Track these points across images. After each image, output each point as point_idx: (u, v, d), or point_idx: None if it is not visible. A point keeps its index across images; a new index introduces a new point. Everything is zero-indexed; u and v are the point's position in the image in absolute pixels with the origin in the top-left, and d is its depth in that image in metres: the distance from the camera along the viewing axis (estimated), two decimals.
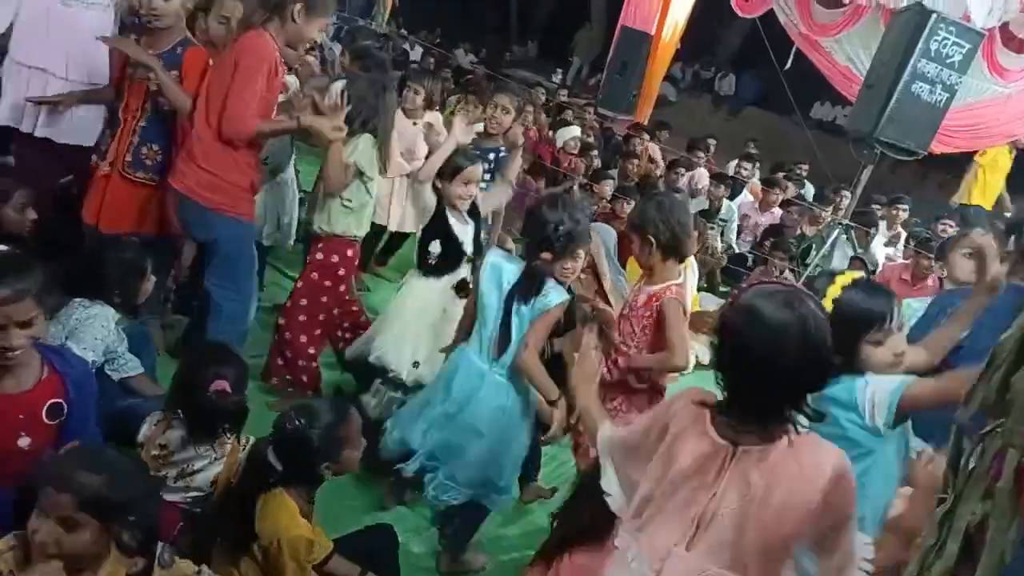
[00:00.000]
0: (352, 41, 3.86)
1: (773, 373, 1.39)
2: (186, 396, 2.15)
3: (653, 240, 2.57)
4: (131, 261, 2.63)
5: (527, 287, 2.45)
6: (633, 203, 5.49)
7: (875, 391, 1.86)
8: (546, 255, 2.44)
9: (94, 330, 2.46)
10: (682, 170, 7.17)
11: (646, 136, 7.91)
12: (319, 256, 3.18)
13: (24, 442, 1.89)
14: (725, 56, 14.74)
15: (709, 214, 6.11)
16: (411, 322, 3.02)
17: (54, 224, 2.91)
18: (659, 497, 1.49)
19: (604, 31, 14.33)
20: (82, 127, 3.13)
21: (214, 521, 2.15)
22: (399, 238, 4.72)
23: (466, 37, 15.26)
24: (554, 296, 2.48)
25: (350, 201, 3.09)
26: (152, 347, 3.02)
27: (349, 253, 3.19)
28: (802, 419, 1.43)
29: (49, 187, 3.09)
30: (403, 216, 4.36)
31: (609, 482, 1.65)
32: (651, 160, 7.84)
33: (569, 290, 2.59)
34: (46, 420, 1.94)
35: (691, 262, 4.37)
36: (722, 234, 6.55)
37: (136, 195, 3.08)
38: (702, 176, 7.25)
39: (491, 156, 3.61)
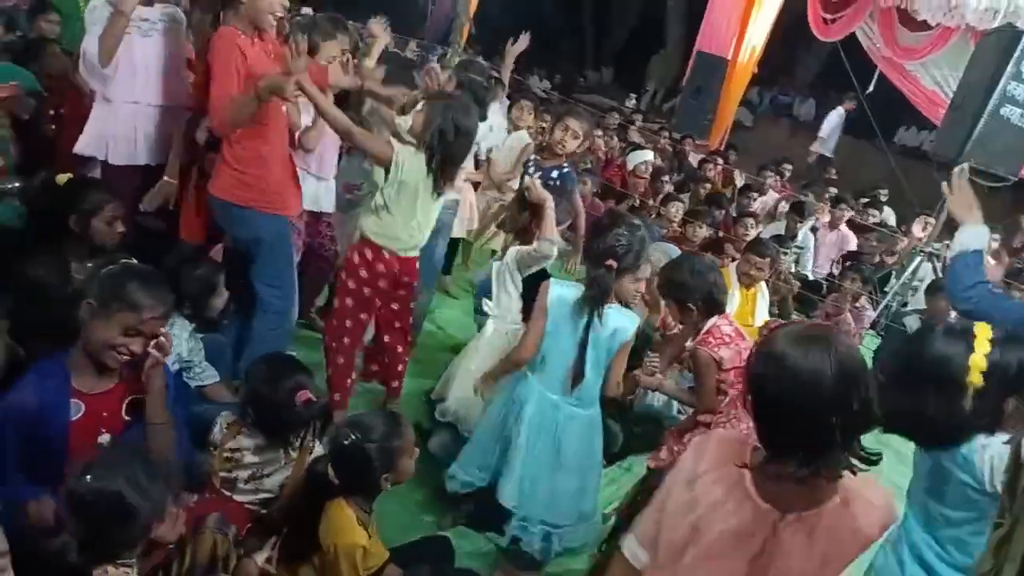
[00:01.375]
0: (464, 70, 4.02)
1: (813, 424, 1.26)
2: (265, 407, 2.22)
3: (694, 307, 2.60)
4: (203, 277, 2.76)
5: (593, 299, 2.46)
6: (704, 227, 5.44)
7: (995, 454, 1.59)
8: (610, 262, 2.45)
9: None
10: (754, 195, 7.03)
11: (720, 160, 7.82)
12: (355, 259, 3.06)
13: (104, 439, 1.99)
14: (804, 80, 14.43)
15: (782, 239, 5.96)
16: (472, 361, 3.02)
17: (138, 237, 3.05)
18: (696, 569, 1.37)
19: (680, 56, 14.26)
20: (160, 148, 3.22)
21: (278, 526, 2.22)
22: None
23: (541, 64, 15.43)
24: (627, 323, 2.50)
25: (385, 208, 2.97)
26: (228, 357, 3.15)
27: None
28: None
29: (135, 203, 3.21)
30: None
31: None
32: (726, 183, 7.73)
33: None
34: (126, 416, 2.04)
35: (762, 288, 4.28)
36: (797, 261, 6.39)
37: None
38: (774, 199, 7.10)
39: (553, 174, 3.61)
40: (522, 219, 3.25)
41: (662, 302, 3.23)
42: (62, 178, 2.79)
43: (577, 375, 2.50)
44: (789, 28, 9.33)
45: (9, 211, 3.28)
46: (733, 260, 4.53)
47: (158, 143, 3.17)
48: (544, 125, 7.03)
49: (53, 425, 1.92)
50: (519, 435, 2.53)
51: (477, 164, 4.72)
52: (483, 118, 3.61)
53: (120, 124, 3.11)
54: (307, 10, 8.22)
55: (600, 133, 7.68)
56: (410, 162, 2.85)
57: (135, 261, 2.22)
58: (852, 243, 6.69)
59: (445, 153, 2.84)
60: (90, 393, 1.98)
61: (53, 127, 3.73)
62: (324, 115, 2.84)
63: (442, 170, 2.88)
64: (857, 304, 5.22)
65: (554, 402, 2.54)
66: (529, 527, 2.54)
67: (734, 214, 6.39)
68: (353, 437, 2.04)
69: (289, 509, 2.21)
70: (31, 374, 2.00)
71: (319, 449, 2.31)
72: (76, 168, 3.19)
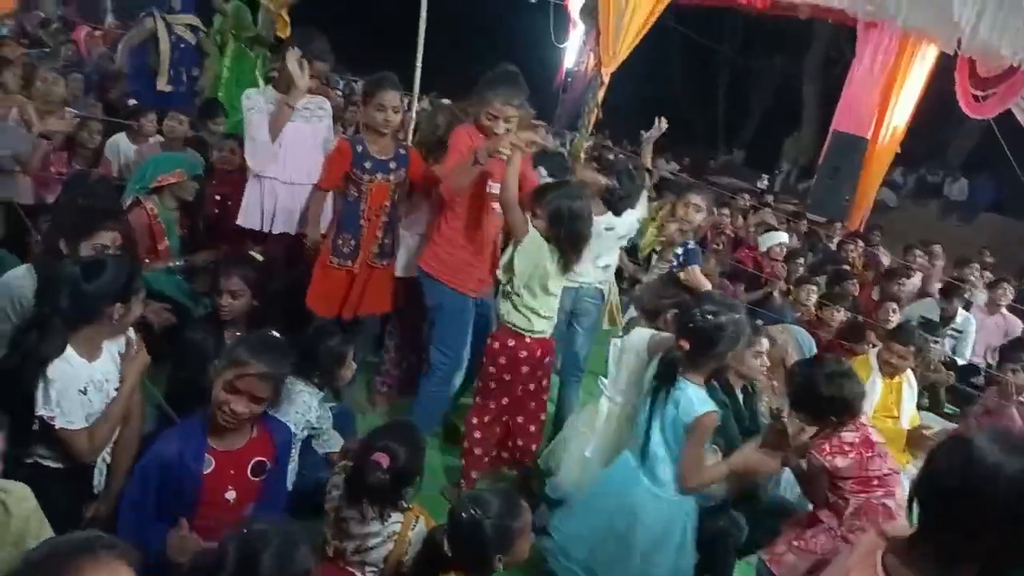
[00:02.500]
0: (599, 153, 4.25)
1: (986, 531, 1.16)
2: (354, 471, 2.27)
3: (833, 417, 2.46)
4: (333, 348, 2.87)
5: (663, 376, 2.42)
6: (842, 311, 5.15)
7: None
8: (683, 342, 2.38)
9: (296, 406, 2.69)
10: (903, 280, 6.58)
11: (860, 243, 7.44)
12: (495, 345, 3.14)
13: (230, 495, 2.10)
14: (955, 160, 13.63)
15: (933, 326, 5.52)
16: (603, 450, 2.92)
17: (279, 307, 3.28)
18: None
19: (815, 136, 13.92)
20: (299, 220, 3.58)
21: None
22: None
23: (670, 146, 15.53)
24: (698, 406, 2.40)
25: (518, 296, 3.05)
26: (354, 427, 3.27)
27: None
28: None
29: (282, 274, 3.51)
30: None
31: None
32: (868, 266, 7.33)
33: (725, 399, 2.50)
34: (251, 476, 2.15)
35: (908, 377, 3.97)
36: (954, 349, 5.88)
37: (381, 279, 3.50)
38: (921, 281, 6.64)
39: (679, 251, 3.72)
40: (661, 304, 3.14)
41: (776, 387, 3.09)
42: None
43: (644, 442, 2.48)
44: (935, 105, 8.90)
45: (175, 286, 3.63)
46: (874, 346, 4.24)
47: (298, 216, 3.52)
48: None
49: (188, 476, 2.06)
50: (601, 509, 2.51)
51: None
52: (631, 206, 3.66)
53: (271, 198, 3.47)
54: (446, 100, 8.74)
55: (729, 213, 7.55)
56: (538, 247, 2.95)
57: (274, 333, 2.35)
58: (1018, 328, 6.09)
59: (564, 234, 2.93)
60: (221, 450, 2.11)
61: (217, 211, 4.15)
62: (506, 184, 2.97)
63: (565, 250, 2.96)
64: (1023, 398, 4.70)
65: (633, 468, 2.51)
66: (571, 566, 2.48)
67: (876, 297, 6.01)
68: (472, 512, 2.03)
69: None
70: (176, 428, 2.18)
71: (422, 526, 2.30)
72: (239, 244, 3.53)
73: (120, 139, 4.90)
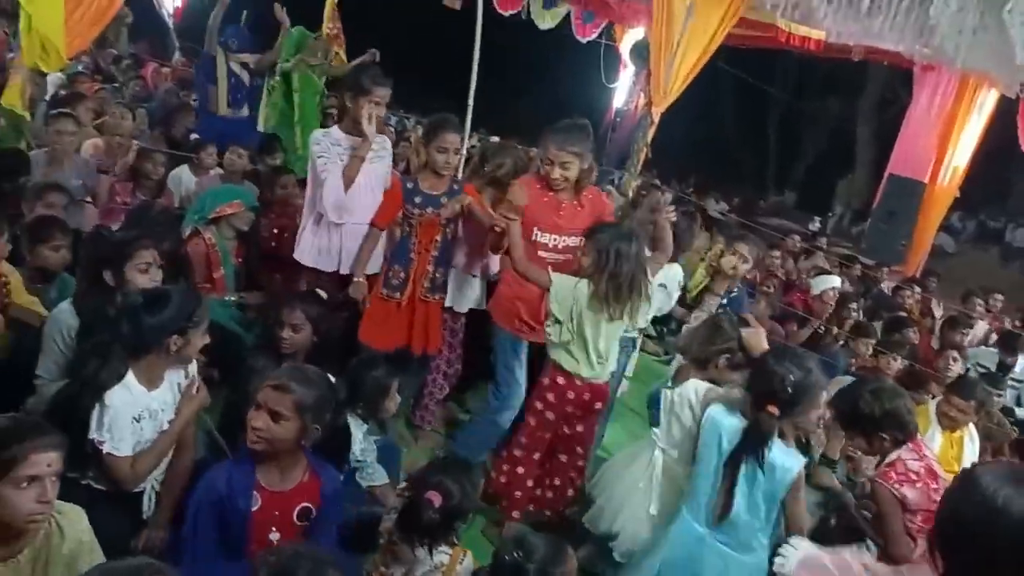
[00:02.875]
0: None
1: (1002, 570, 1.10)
2: (407, 503, 2.24)
3: (885, 436, 2.37)
4: (378, 379, 2.88)
5: (752, 445, 2.29)
6: (899, 359, 4.98)
7: None
8: (772, 408, 2.28)
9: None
10: (966, 330, 6.34)
11: (916, 288, 7.22)
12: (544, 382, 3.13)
13: (274, 536, 2.10)
14: (1018, 205, 13.22)
15: (995, 378, 5.29)
16: (650, 500, 2.84)
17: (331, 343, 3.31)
18: None
19: (869, 179, 13.70)
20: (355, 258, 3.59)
21: None
22: None
23: (719, 187, 15.42)
24: (792, 462, 2.32)
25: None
26: (399, 461, 3.26)
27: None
28: None
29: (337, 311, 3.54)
30: None
31: None
32: (925, 313, 7.10)
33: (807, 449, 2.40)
34: (296, 521, 2.14)
35: (971, 431, 3.81)
36: (1018, 400, 5.62)
37: (432, 315, 3.52)
38: (983, 331, 6.38)
39: (724, 299, 3.69)
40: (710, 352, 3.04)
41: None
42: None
43: (725, 508, 2.34)
44: (996, 149, 8.66)
45: (228, 315, 3.71)
46: (934, 397, 4.09)
47: (356, 254, 3.54)
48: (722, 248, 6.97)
49: (236, 511, 2.07)
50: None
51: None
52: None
53: (328, 236, 3.51)
54: (495, 138, 8.86)
55: (780, 255, 7.42)
56: (568, 291, 2.94)
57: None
58: None
59: (607, 274, 2.90)
60: (269, 489, 2.11)
61: (274, 243, 4.26)
62: (511, 236, 3.07)
63: (610, 295, 2.91)
64: None
65: (699, 535, 2.37)
66: None
67: (935, 346, 5.81)
68: (515, 555, 2.00)
69: None
70: (227, 461, 2.20)
71: (469, 561, 2.27)
72: (295, 276, 3.58)
73: (182, 171, 5.07)
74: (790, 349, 2.55)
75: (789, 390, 2.25)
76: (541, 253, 3.26)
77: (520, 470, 3.13)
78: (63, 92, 5.84)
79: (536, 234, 3.25)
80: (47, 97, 5.53)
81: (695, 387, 2.79)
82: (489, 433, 3.43)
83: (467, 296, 3.70)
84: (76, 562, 1.84)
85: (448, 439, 3.79)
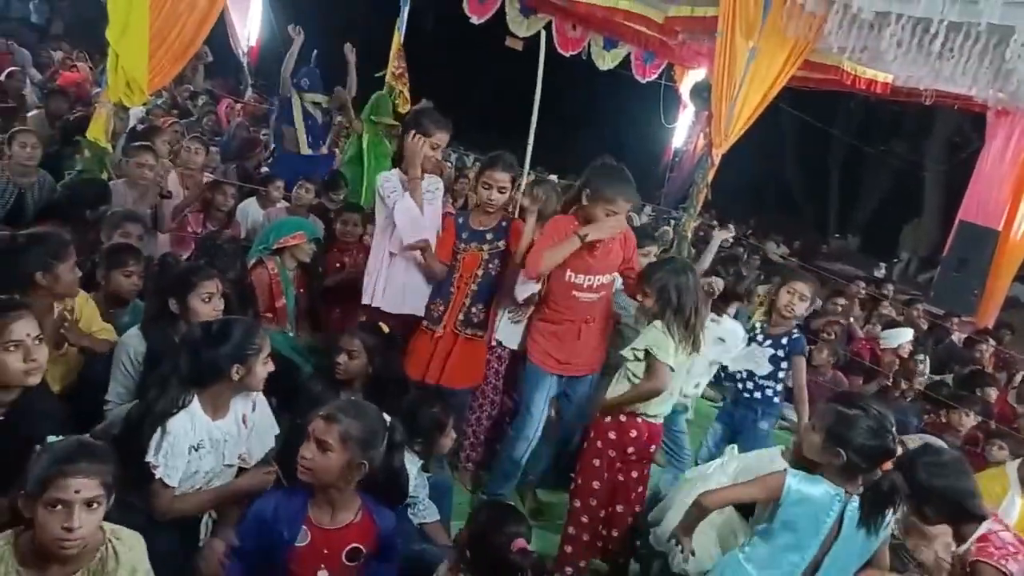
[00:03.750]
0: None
1: None
2: (482, 551, 2.18)
3: (947, 511, 2.28)
4: (435, 416, 2.89)
5: (876, 506, 2.17)
6: (972, 415, 4.75)
7: None
8: (887, 466, 2.20)
9: None
10: None
11: (991, 340, 6.92)
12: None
13: (322, 574, 2.08)
14: None
15: None
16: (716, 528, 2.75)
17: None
18: None
19: (938, 225, 13.29)
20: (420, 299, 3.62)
21: None
22: None
23: (779, 229, 15.14)
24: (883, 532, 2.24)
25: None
26: (451, 498, 3.23)
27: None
28: None
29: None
30: None
31: None
32: (1000, 367, 6.78)
33: None
34: (345, 561, 2.12)
35: None
36: None
37: (469, 352, 3.52)
38: None
39: (783, 341, 3.60)
40: None
41: None
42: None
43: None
44: None
45: (287, 344, 3.77)
46: (1015, 457, 3.86)
47: (411, 293, 3.57)
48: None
49: (280, 541, 2.06)
50: None
51: None
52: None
53: (400, 275, 3.53)
54: (553, 176, 8.91)
55: (843, 301, 7.20)
56: (652, 333, 2.92)
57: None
58: None
59: (676, 313, 2.91)
60: (319, 526, 2.10)
61: (337, 278, 4.34)
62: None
63: (680, 331, 2.91)
64: None
65: None
66: None
67: (1013, 402, 5.53)
68: None
69: None
70: (279, 491, 2.21)
71: None
72: (354, 310, 3.63)
73: (250, 203, 5.25)
74: (869, 402, 2.40)
75: (869, 452, 2.16)
76: (575, 292, 3.31)
77: (584, 519, 3.07)
78: (141, 126, 6.13)
79: (569, 275, 3.29)
80: (128, 130, 5.82)
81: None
82: (507, 468, 3.49)
83: (517, 333, 3.67)
84: None
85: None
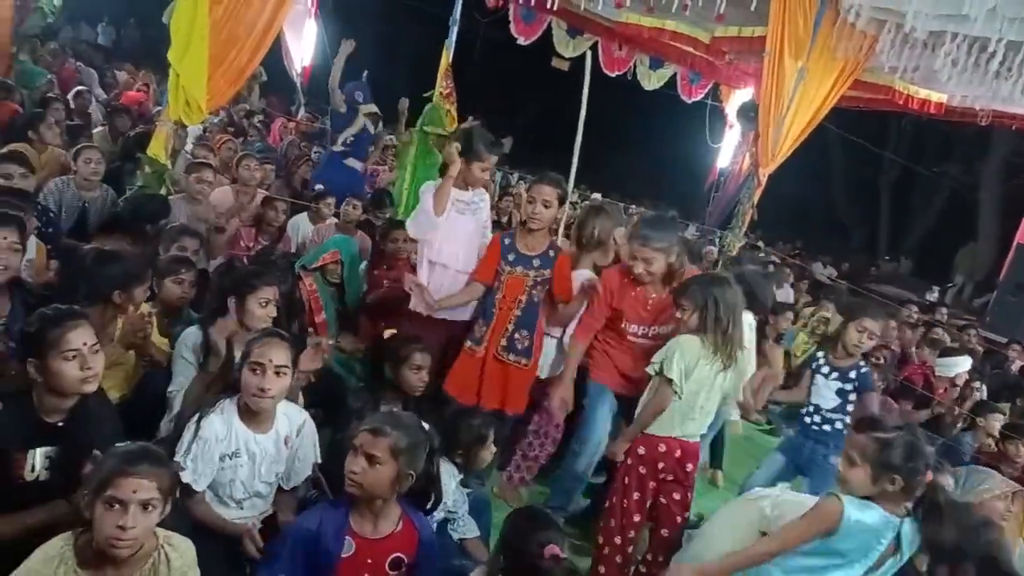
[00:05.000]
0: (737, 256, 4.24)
1: None
2: (515, 558, 2.19)
3: None
4: (476, 428, 2.90)
5: (932, 523, 2.19)
6: None
7: None
8: (928, 475, 2.21)
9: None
10: None
11: None
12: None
13: None
14: None
15: None
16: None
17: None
18: None
19: (994, 248, 12.90)
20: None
21: None
22: None
23: (828, 251, 14.85)
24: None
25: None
26: (490, 514, 3.24)
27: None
28: None
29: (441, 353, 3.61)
30: None
31: None
32: None
33: None
34: (388, 570, 2.14)
35: None
36: None
37: (511, 378, 3.51)
38: None
39: (851, 375, 3.52)
40: None
41: None
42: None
43: None
44: None
45: (332, 357, 3.84)
46: None
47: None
48: (827, 315, 6.66)
49: (326, 553, 2.09)
50: None
51: None
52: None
53: (438, 284, 3.61)
54: (597, 195, 8.92)
55: (895, 326, 7.03)
56: (689, 348, 2.90)
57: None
58: None
59: (716, 325, 2.88)
60: (362, 536, 2.13)
61: (383, 294, 4.38)
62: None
63: (720, 343, 2.89)
64: None
65: None
66: None
67: None
68: None
69: None
70: (322, 504, 2.24)
71: None
72: (403, 328, 3.69)
73: (301, 219, 5.37)
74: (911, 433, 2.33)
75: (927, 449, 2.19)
76: (630, 338, 3.33)
77: (618, 540, 3.04)
78: (199, 144, 6.35)
79: (626, 324, 3.31)
80: (186, 148, 6.03)
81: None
82: (569, 483, 3.50)
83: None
84: None
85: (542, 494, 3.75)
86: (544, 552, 2.11)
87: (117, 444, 1.89)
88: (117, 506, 1.77)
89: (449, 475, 2.82)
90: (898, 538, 2.20)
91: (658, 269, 3.20)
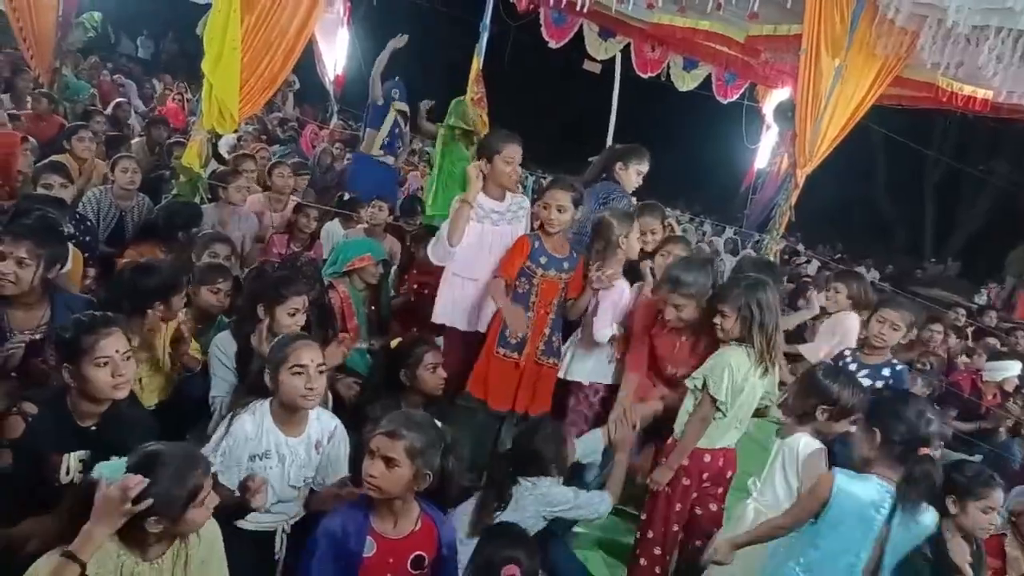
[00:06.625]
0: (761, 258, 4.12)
1: None
2: (481, 573, 2.18)
3: None
4: (557, 435, 2.85)
5: (918, 493, 2.18)
6: None
7: None
8: (924, 450, 2.20)
9: (537, 505, 2.69)
10: None
11: None
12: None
13: None
14: None
15: None
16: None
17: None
18: None
19: None
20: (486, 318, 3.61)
21: None
22: None
23: (871, 253, 14.51)
24: (930, 518, 2.24)
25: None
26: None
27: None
28: None
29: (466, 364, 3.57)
30: None
31: None
32: None
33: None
34: (410, 569, 2.14)
35: None
36: None
37: (547, 379, 3.51)
38: None
39: (884, 372, 3.41)
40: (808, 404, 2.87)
41: None
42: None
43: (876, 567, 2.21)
44: None
45: (363, 363, 3.85)
46: None
47: (487, 314, 3.57)
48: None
49: (349, 553, 2.10)
50: None
51: None
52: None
53: (466, 297, 3.57)
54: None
55: (941, 330, 6.82)
56: (732, 358, 2.86)
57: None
58: None
59: (759, 330, 2.84)
60: (384, 536, 2.13)
61: (413, 298, 4.46)
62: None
63: (763, 347, 2.85)
64: None
65: None
66: None
67: None
68: None
69: None
70: (344, 506, 2.23)
71: None
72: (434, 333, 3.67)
73: (333, 225, 5.41)
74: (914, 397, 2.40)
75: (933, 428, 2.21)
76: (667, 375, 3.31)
77: (657, 551, 3.00)
78: (233, 153, 6.44)
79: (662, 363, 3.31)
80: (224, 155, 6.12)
81: (804, 444, 2.72)
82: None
83: (593, 368, 3.57)
84: (207, 567, 1.96)
85: None
86: (503, 571, 2.10)
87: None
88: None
89: (555, 485, 2.75)
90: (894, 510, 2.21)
91: (689, 316, 3.12)
